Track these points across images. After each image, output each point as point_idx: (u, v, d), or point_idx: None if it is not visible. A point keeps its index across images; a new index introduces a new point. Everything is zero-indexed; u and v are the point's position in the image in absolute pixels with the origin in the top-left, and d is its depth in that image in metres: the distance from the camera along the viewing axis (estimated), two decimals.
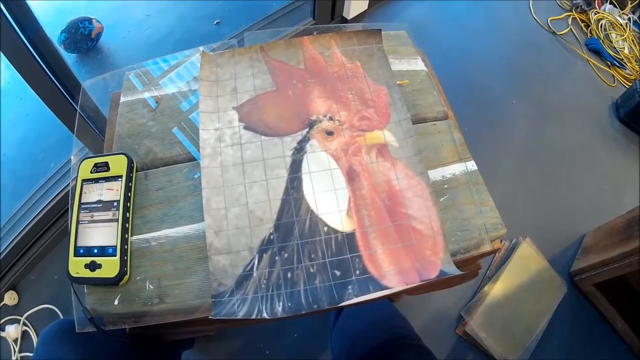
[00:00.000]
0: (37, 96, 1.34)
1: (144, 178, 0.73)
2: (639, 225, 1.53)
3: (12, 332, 1.57)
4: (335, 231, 0.67)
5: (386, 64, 0.83)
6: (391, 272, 0.65)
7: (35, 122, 2.11)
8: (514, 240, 1.82)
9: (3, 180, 1.91)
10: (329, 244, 0.66)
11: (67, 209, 1.66)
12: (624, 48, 2.70)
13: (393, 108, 0.78)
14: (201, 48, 0.85)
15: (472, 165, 0.76)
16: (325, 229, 0.67)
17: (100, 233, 0.66)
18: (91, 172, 0.70)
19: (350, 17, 2.40)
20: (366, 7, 2.47)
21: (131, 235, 0.68)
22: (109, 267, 0.63)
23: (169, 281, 0.64)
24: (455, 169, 0.75)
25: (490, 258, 1.77)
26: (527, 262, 1.75)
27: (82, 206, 0.68)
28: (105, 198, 0.68)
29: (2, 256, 1.61)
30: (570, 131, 2.30)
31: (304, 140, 0.73)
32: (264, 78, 0.80)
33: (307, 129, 0.74)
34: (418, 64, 0.87)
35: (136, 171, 0.73)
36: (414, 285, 0.64)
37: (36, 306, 1.63)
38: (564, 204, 2.04)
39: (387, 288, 0.63)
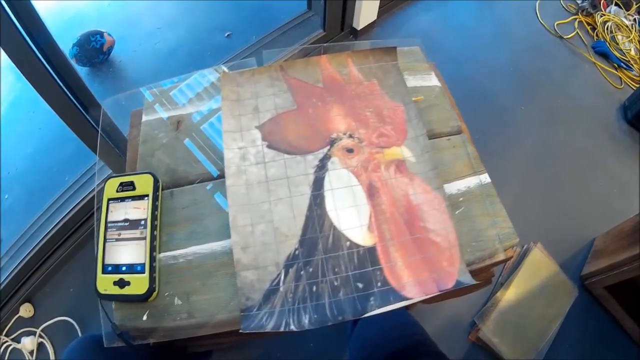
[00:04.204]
0: (52, 110, 1.36)
1: (169, 197, 0.75)
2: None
3: (27, 344, 1.58)
4: (357, 245, 0.69)
5: (402, 81, 0.86)
6: (410, 283, 0.67)
7: (48, 136, 2.13)
8: (525, 246, 1.82)
9: (17, 193, 1.93)
10: (352, 258, 0.68)
11: (83, 222, 1.69)
12: (630, 50, 2.71)
13: (409, 124, 0.80)
14: (223, 67, 0.87)
15: (485, 177, 0.78)
16: (348, 243, 0.69)
17: (128, 251, 0.68)
18: (117, 191, 0.72)
19: (360, 27, 2.41)
20: (375, 17, 2.48)
21: (159, 253, 0.70)
22: (138, 284, 0.65)
23: (197, 296, 0.67)
24: (469, 182, 0.78)
25: (502, 264, 1.77)
26: (538, 267, 1.76)
27: (109, 224, 0.70)
28: (132, 217, 0.70)
29: (18, 269, 1.62)
30: (579, 135, 2.31)
31: (326, 158, 0.76)
32: (284, 97, 0.82)
33: (328, 147, 0.77)
34: (432, 80, 0.90)
35: (162, 190, 0.75)
36: (432, 295, 0.66)
37: (52, 318, 1.64)
38: (574, 209, 2.04)
39: (407, 299, 0.65)
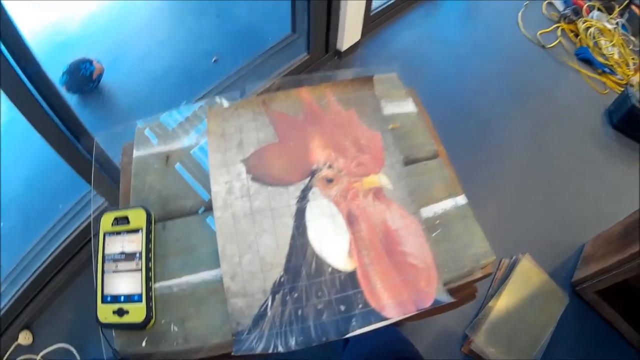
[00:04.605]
0: (44, 139, 1.38)
1: (162, 229, 0.79)
2: (639, 229, 1.57)
3: None
4: (339, 271, 0.73)
5: (379, 109, 0.90)
6: (390, 304, 0.71)
7: (42, 162, 2.13)
8: (514, 257, 1.86)
9: (13, 219, 1.95)
10: (334, 282, 0.72)
11: (79, 249, 1.70)
12: (613, 54, 2.76)
13: (386, 152, 0.84)
14: (217, 99, 0.92)
15: (462, 199, 0.82)
16: (330, 269, 0.73)
17: (125, 282, 0.72)
18: (112, 225, 0.75)
19: (344, 48, 2.44)
20: (359, 38, 2.51)
21: (154, 283, 0.73)
22: (136, 312, 0.69)
23: (191, 323, 0.70)
24: (446, 204, 0.82)
25: (492, 276, 1.82)
26: (528, 277, 1.80)
27: (107, 257, 0.73)
28: (127, 249, 0.73)
29: (16, 296, 1.64)
30: (566, 143, 2.35)
31: (307, 189, 0.80)
32: (266, 130, 0.86)
33: (309, 178, 0.81)
34: (409, 106, 0.94)
35: (154, 223, 0.79)
36: (411, 314, 0.71)
37: (50, 345, 1.65)
38: (564, 216, 2.08)
39: (387, 319, 0.70)
